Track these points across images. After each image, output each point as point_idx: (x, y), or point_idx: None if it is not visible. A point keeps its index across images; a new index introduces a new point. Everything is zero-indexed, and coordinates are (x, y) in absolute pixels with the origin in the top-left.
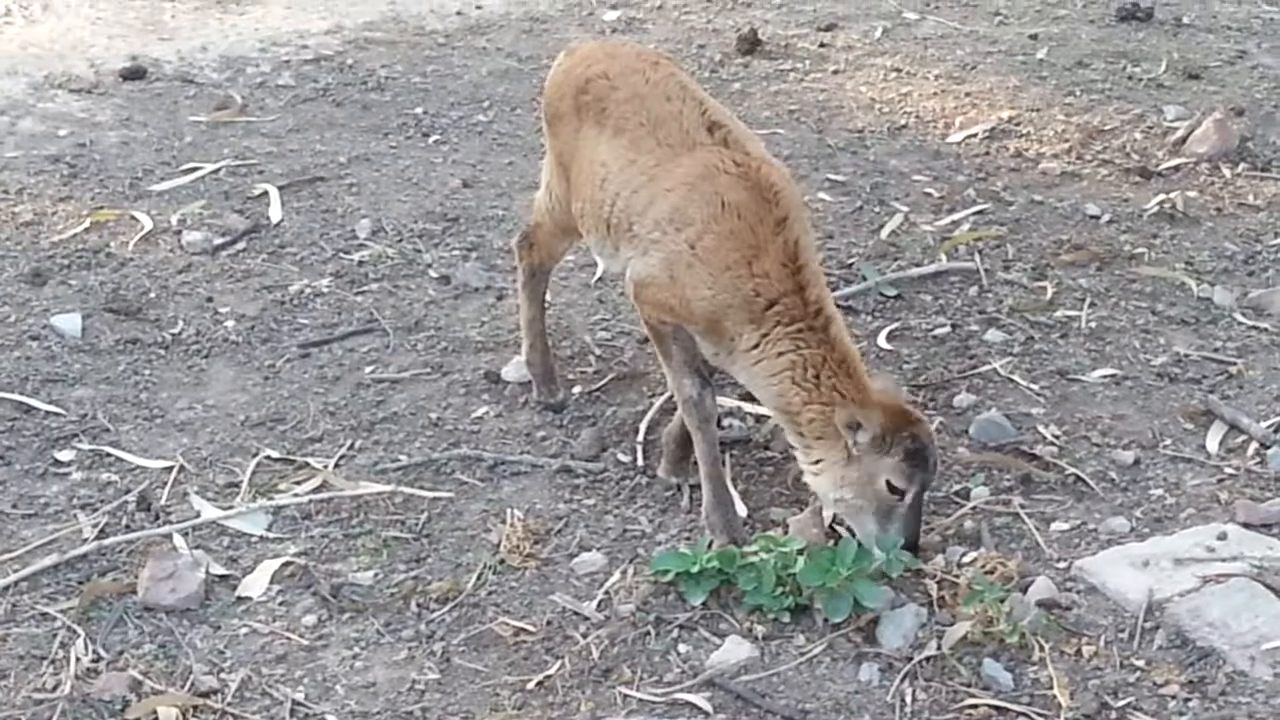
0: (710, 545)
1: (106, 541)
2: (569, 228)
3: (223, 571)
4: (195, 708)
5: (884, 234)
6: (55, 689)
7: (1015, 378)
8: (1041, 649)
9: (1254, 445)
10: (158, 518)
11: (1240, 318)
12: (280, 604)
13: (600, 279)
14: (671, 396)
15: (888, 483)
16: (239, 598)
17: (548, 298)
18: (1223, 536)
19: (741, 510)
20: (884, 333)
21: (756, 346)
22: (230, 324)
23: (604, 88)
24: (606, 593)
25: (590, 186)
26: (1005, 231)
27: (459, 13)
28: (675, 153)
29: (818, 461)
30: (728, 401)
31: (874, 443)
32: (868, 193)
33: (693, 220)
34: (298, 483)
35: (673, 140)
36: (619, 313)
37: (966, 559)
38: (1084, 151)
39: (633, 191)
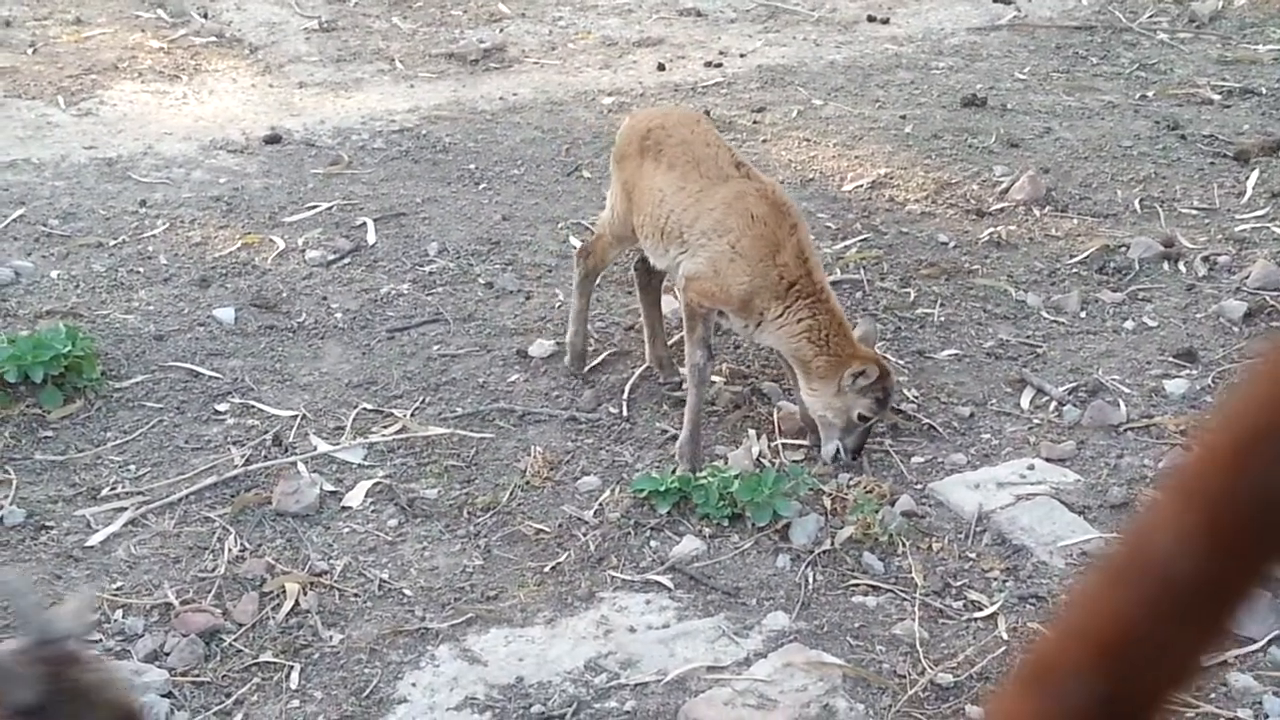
0: (674, 471)
1: (251, 467)
2: (625, 237)
3: (332, 488)
4: (312, 584)
5: None
6: (214, 570)
7: (888, 355)
8: (904, 545)
9: (1054, 404)
10: (287, 450)
11: (1045, 314)
12: (372, 511)
13: (599, 284)
14: (648, 367)
15: (859, 414)
16: (343, 507)
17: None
18: (1031, 468)
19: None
20: None
21: (781, 315)
22: (339, 315)
23: (661, 135)
24: (600, 504)
25: (651, 205)
26: (881, 253)
27: (500, 98)
28: (713, 182)
29: (815, 391)
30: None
31: (856, 384)
32: None
33: (732, 229)
34: (385, 427)
35: (711, 174)
36: (611, 309)
37: (852, 482)
38: (937, 198)
39: (684, 209)
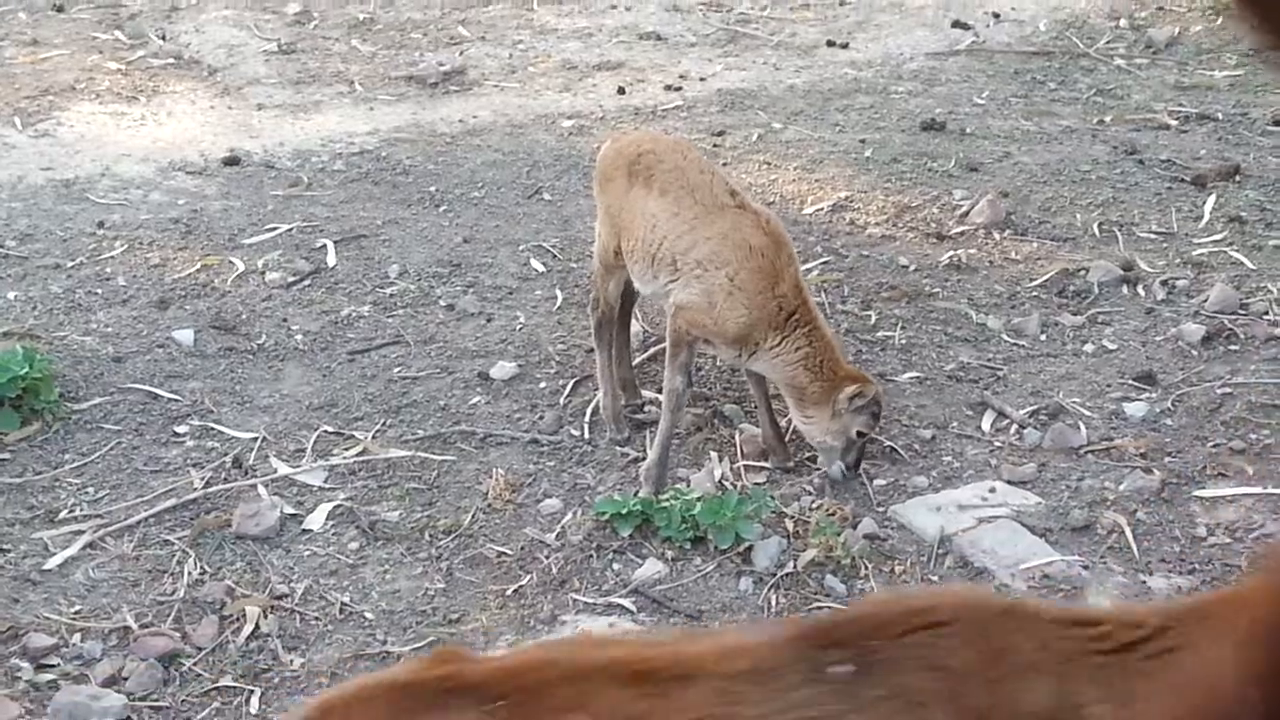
0: (636, 493)
1: (210, 490)
2: (611, 266)
3: (292, 511)
4: (272, 607)
5: None
6: (173, 594)
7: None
8: (866, 568)
9: (1015, 426)
10: (246, 473)
11: (1005, 337)
12: (333, 534)
13: (560, 306)
14: (598, 392)
15: (857, 431)
16: (304, 530)
17: (517, 317)
18: (992, 490)
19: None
20: None
21: (778, 345)
22: (299, 337)
23: (653, 160)
24: (562, 527)
25: (642, 230)
26: (842, 276)
27: (461, 120)
28: (709, 210)
29: (810, 417)
30: (649, 394)
31: (852, 405)
32: None
33: (729, 260)
34: (346, 449)
35: (706, 201)
36: (573, 331)
37: (815, 505)
38: (897, 221)
39: (678, 236)
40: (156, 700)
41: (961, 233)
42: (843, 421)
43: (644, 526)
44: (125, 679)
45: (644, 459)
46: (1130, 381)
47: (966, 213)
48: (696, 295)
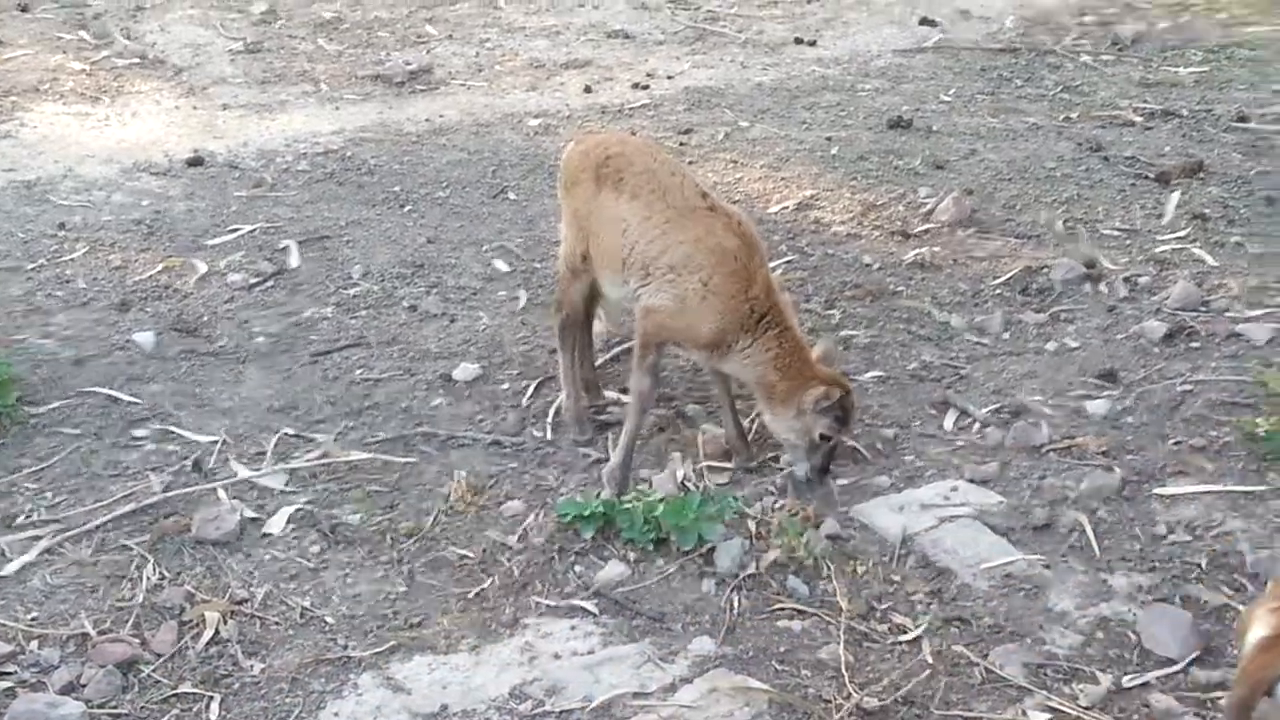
0: (599, 495)
1: (170, 494)
2: (578, 270)
3: (253, 515)
4: (232, 612)
5: None
6: (132, 599)
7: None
8: (828, 569)
9: (977, 425)
10: (206, 476)
11: (969, 336)
12: (293, 538)
13: (524, 307)
14: (561, 393)
15: (820, 433)
16: (264, 534)
17: (483, 319)
18: (955, 489)
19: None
20: None
21: (749, 347)
22: (260, 339)
23: (622, 162)
24: (524, 529)
25: (611, 235)
26: (807, 275)
27: (427, 120)
28: (680, 213)
29: (777, 415)
30: (612, 394)
31: (817, 406)
32: None
33: (703, 265)
34: (307, 452)
35: (677, 204)
36: (536, 332)
37: (777, 505)
38: (863, 219)
39: (649, 241)
40: (115, 707)
41: (926, 231)
42: (805, 421)
43: (606, 528)
44: (83, 686)
45: (607, 460)
46: (1092, 379)
47: (931, 210)
48: (669, 300)
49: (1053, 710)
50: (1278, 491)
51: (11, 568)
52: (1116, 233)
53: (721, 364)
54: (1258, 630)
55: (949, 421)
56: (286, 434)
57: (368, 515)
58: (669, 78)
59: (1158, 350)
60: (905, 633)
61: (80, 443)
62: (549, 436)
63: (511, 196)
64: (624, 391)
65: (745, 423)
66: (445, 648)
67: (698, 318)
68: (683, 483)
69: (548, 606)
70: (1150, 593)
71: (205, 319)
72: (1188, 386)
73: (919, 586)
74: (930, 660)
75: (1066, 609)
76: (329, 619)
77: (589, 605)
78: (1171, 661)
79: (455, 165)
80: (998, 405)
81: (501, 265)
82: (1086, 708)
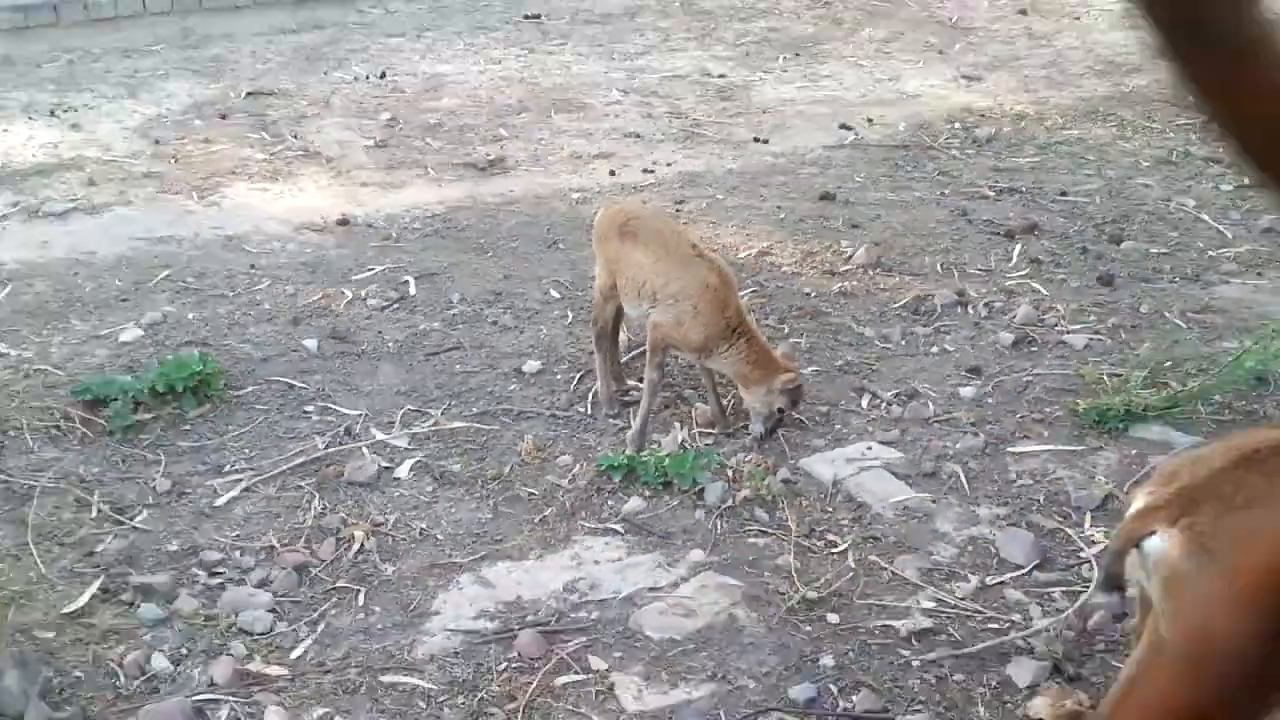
0: (624, 452)
1: (329, 450)
2: (608, 297)
3: (386, 465)
4: (372, 532)
5: None
6: (304, 523)
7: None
8: (783, 503)
9: (884, 404)
10: (355, 438)
11: (877, 342)
12: (414, 481)
13: (571, 323)
14: (597, 382)
15: (779, 407)
16: (394, 478)
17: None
18: (869, 449)
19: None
20: None
21: (727, 350)
22: (390, 344)
23: (637, 224)
24: (573, 475)
25: (630, 273)
26: (765, 300)
27: (501, 194)
28: (678, 260)
29: (751, 393)
30: (632, 383)
31: (784, 386)
32: None
33: (693, 295)
34: (423, 422)
35: (676, 254)
36: (580, 340)
37: (747, 459)
38: (803, 263)
39: (657, 277)
40: (294, 597)
41: (847, 270)
42: (772, 398)
43: (630, 474)
44: (271, 582)
45: (630, 428)
46: (963, 373)
47: (851, 256)
48: (670, 318)
49: (938, 600)
50: (1093, 450)
51: (221, 501)
52: (978, 272)
53: (708, 362)
54: (1136, 504)
55: (865, 402)
56: (409, 409)
57: (465, 465)
58: (668, 165)
59: (1008, 352)
60: (836, 547)
61: (267, 415)
62: (589, 412)
63: (561, 247)
64: (640, 380)
65: (725, 402)
66: (519, 556)
67: (691, 330)
68: (682, 444)
69: (589, 528)
70: (1005, 520)
71: (352, 330)
72: (1030, 378)
73: (845, 515)
74: (853, 566)
75: (947, 530)
76: (439, 536)
77: (618, 527)
78: (1020, 567)
79: (521, 225)
80: (898, 390)
81: (555, 294)
82: (961, 599)
